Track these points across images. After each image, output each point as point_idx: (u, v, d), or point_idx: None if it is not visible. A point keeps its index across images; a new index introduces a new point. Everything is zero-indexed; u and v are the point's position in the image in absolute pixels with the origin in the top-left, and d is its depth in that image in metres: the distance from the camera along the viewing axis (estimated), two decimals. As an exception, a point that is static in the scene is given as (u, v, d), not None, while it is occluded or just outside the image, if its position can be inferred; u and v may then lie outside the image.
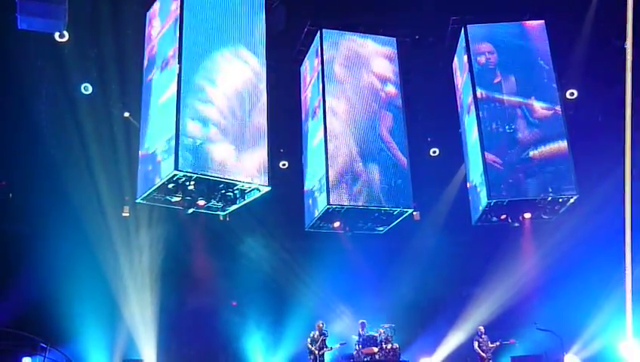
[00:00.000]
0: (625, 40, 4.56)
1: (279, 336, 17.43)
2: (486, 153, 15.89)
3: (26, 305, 14.66)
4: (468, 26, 16.80)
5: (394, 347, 15.17)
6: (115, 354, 15.38)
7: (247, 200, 14.85)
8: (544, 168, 15.82)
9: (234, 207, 15.19)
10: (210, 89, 13.97)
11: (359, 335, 15.38)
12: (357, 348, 15.20)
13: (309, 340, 14.75)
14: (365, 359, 15.09)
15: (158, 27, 14.79)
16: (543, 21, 16.69)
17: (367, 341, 15.26)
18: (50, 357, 14.24)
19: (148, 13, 15.34)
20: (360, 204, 16.13)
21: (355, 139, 16.39)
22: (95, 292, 15.19)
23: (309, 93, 17.65)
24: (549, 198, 15.97)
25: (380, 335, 15.30)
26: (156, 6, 15.07)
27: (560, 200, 16.01)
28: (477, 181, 16.70)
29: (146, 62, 15.07)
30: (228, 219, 16.11)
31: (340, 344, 15.01)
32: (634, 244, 4.67)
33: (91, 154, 15.53)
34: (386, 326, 15.51)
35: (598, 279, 14.64)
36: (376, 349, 15.06)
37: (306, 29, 17.04)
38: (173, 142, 13.05)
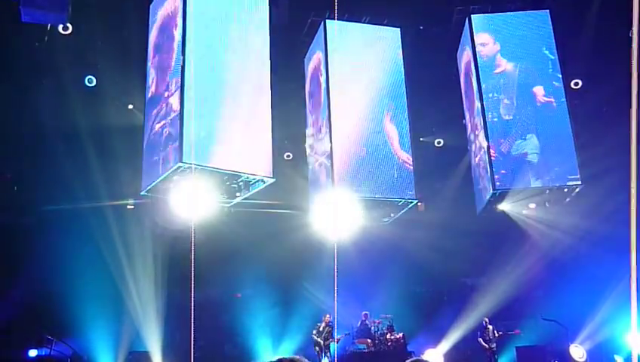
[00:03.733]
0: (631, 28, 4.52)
1: (284, 327, 17.45)
2: (490, 143, 15.86)
3: (32, 297, 14.72)
4: (472, 15, 16.73)
5: (397, 337, 15.22)
6: (120, 346, 15.41)
7: (252, 191, 14.87)
8: (549, 158, 15.78)
9: (238, 198, 15.20)
10: (214, 81, 13.97)
11: (360, 325, 15.51)
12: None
13: (315, 332, 14.82)
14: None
15: (162, 19, 14.79)
16: (547, 10, 16.60)
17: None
18: (56, 350, 14.31)
19: (151, 5, 15.33)
20: (365, 194, 16.12)
21: (360, 130, 16.36)
22: (101, 285, 15.22)
23: (313, 84, 17.61)
24: (554, 188, 15.95)
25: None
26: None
27: (565, 190, 15.99)
28: (481, 171, 16.66)
29: (149, 54, 15.09)
30: (232, 210, 16.11)
31: (345, 334, 15.10)
32: (639, 234, 4.64)
33: (96, 146, 15.54)
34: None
35: (603, 269, 14.60)
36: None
37: (309, 20, 16.99)
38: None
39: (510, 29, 16.72)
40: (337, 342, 15.01)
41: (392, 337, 15.28)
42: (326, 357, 14.64)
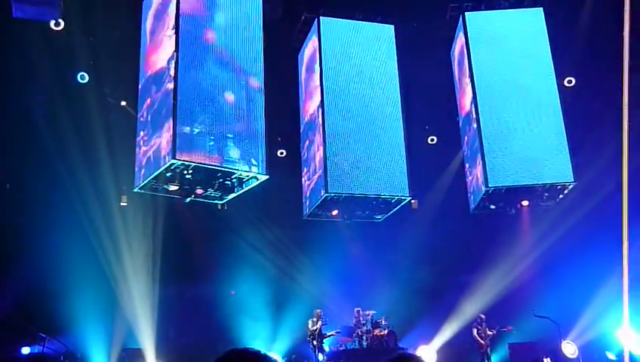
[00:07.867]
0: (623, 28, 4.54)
1: (278, 324, 17.45)
2: (483, 140, 15.86)
3: (25, 295, 14.65)
4: (466, 13, 16.73)
5: (384, 333, 15.25)
6: (114, 343, 15.38)
7: (245, 188, 14.86)
8: (541, 155, 15.80)
9: (232, 195, 15.20)
10: (208, 77, 13.94)
11: (355, 322, 15.56)
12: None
13: (309, 327, 14.82)
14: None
15: (155, 13, 14.75)
16: (541, 8, 16.62)
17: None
18: (49, 347, 14.26)
19: (144, 1, 15.29)
20: (358, 192, 16.13)
21: (353, 127, 16.36)
22: (94, 282, 15.17)
23: (307, 81, 17.60)
24: (547, 186, 15.99)
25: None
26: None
27: (558, 187, 16.04)
28: (475, 169, 16.68)
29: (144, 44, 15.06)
30: (226, 207, 16.10)
31: (336, 332, 15.15)
32: (631, 232, 4.67)
33: (88, 143, 15.48)
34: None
35: (595, 266, 14.64)
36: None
37: (303, 17, 16.98)
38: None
39: (505, 26, 16.72)
40: (330, 337, 15.06)
41: (379, 334, 15.33)
42: (321, 354, 14.65)
